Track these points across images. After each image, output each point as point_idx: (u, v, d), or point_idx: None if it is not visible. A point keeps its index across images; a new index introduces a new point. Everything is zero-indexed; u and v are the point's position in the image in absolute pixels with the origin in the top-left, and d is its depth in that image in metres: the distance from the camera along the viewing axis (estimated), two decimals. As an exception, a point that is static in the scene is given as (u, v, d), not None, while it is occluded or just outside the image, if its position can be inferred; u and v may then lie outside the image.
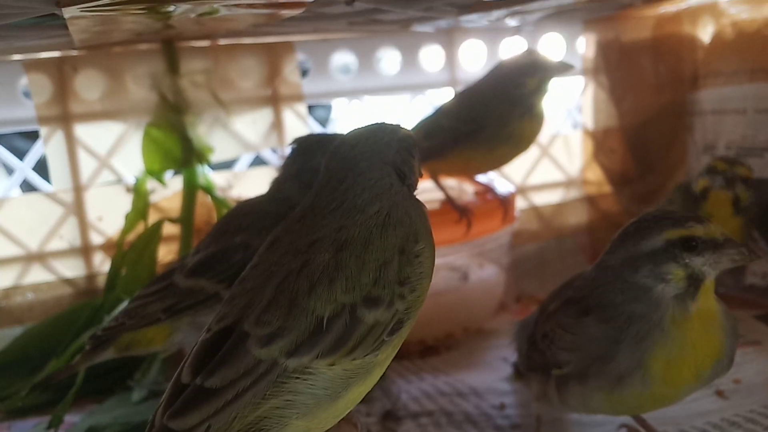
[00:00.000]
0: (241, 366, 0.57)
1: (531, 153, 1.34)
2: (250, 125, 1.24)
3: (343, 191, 0.65)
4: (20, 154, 1.21)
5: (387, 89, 1.38)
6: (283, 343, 0.58)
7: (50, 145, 1.15)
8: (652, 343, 0.70)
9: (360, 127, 0.71)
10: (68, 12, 0.75)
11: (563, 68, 1.19)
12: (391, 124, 0.71)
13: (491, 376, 1.04)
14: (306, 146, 0.94)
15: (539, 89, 1.18)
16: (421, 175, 0.74)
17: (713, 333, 0.71)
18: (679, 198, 1.13)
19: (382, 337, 0.60)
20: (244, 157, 1.30)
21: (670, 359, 0.70)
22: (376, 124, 0.72)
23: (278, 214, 0.85)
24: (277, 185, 0.94)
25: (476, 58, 1.40)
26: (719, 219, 1.04)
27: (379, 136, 0.69)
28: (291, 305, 0.59)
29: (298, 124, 1.27)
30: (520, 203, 1.40)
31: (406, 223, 0.64)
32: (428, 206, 0.71)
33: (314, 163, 0.91)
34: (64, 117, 1.15)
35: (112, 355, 0.88)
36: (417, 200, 0.69)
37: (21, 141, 1.35)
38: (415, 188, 0.70)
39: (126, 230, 1.15)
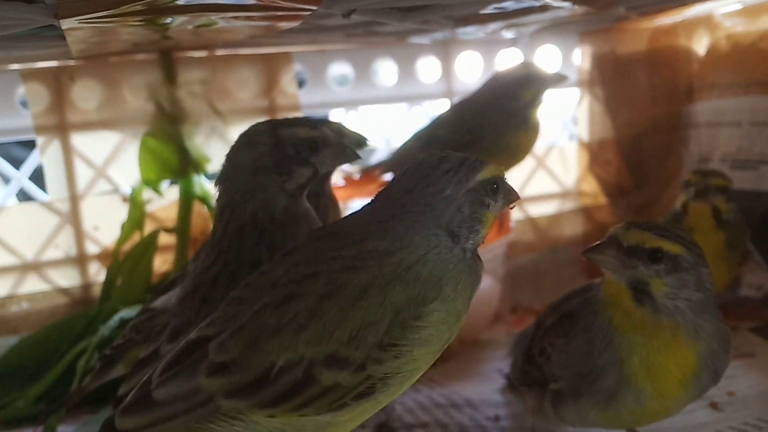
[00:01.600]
0: (184, 387, 0.55)
1: (526, 164, 1.34)
2: (247, 136, 1.24)
3: (382, 227, 0.58)
4: (17, 164, 1.20)
5: (384, 100, 1.38)
6: (226, 380, 0.54)
7: (47, 155, 1.15)
8: (627, 355, 0.70)
9: (431, 158, 0.61)
10: (66, 23, 0.75)
11: (558, 79, 1.19)
12: (471, 162, 0.61)
13: (486, 387, 1.03)
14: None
15: (535, 101, 1.18)
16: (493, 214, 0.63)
17: (681, 341, 0.70)
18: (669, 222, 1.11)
19: (344, 400, 0.54)
20: (241, 167, 1.30)
21: (652, 370, 0.70)
22: (452, 159, 0.61)
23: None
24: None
25: (472, 69, 1.41)
26: (701, 233, 1.03)
27: (443, 185, 0.59)
28: (252, 340, 0.54)
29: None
30: (515, 214, 1.40)
31: (430, 281, 0.55)
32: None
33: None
34: (61, 126, 1.15)
35: (122, 371, 0.87)
36: (472, 261, 0.60)
37: (18, 150, 1.35)
38: (478, 243, 0.61)
39: (122, 240, 1.15)
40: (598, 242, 0.73)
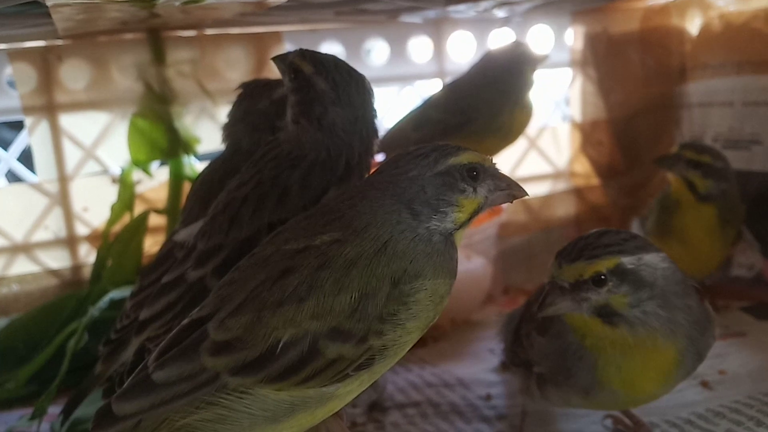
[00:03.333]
0: (187, 368, 0.56)
1: (519, 145, 1.34)
2: (237, 116, 1.23)
3: (353, 203, 0.60)
4: (4, 145, 1.20)
5: (375, 80, 1.34)
6: (231, 357, 0.55)
7: (35, 136, 1.14)
8: (602, 365, 0.70)
9: (412, 148, 0.63)
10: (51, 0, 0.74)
11: (540, 57, 1.19)
12: (446, 148, 0.62)
13: (478, 367, 1.04)
14: (252, 90, 0.94)
15: (526, 80, 1.18)
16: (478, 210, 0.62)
17: (659, 347, 0.68)
18: (657, 205, 1.12)
19: (347, 372, 0.56)
20: (231, 147, 1.29)
21: (629, 378, 0.69)
22: (428, 146, 0.62)
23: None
24: (227, 130, 0.95)
25: (465, 49, 1.40)
26: (687, 206, 1.06)
27: (409, 167, 0.61)
28: (255, 316, 0.56)
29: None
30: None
31: (408, 256, 0.57)
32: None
33: (261, 105, 0.91)
34: (49, 107, 1.14)
35: (132, 351, 0.86)
36: (443, 245, 0.59)
37: (5, 131, 1.34)
38: (454, 227, 0.60)
39: (112, 221, 1.15)
40: (544, 295, 0.70)
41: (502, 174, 0.64)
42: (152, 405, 0.55)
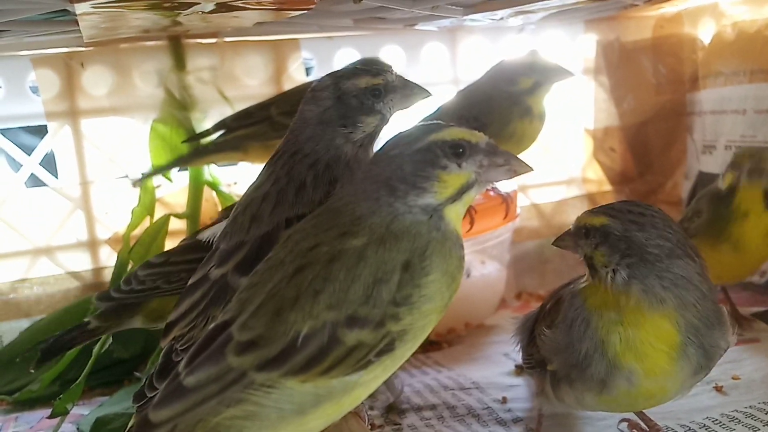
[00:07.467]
0: (215, 370, 0.57)
1: (532, 152, 1.34)
2: (256, 122, 1.25)
3: (354, 195, 0.63)
4: (28, 149, 1.21)
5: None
6: (255, 355, 0.56)
7: (58, 140, 1.16)
8: (606, 335, 0.71)
9: (407, 129, 0.65)
10: (80, 8, 0.76)
11: (561, 73, 1.18)
12: (431, 126, 0.63)
13: (493, 370, 1.05)
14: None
15: (535, 89, 1.17)
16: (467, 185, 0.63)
17: (645, 310, 0.70)
18: (704, 204, 1.07)
19: (368, 358, 0.57)
20: (250, 153, 1.30)
21: (635, 347, 0.70)
22: (417, 126, 0.64)
23: None
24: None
25: (479, 56, 1.41)
26: (751, 218, 1.02)
27: (391, 147, 0.63)
28: (275, 314, 0.57)
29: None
30: (521, 201, 1.41)
31: (409, 237, 0.59)
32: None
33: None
34: (71, 112, 1.16)
35: (138, 323, 0.86)
36: (433, 218, 0.61)
37: (28, 136, 1.36)
38: (436, 201, 0.61)
39: (132, 225, 1.16)
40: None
41: (502, 150, 0.64)
42: (185, 409, 0.57)
